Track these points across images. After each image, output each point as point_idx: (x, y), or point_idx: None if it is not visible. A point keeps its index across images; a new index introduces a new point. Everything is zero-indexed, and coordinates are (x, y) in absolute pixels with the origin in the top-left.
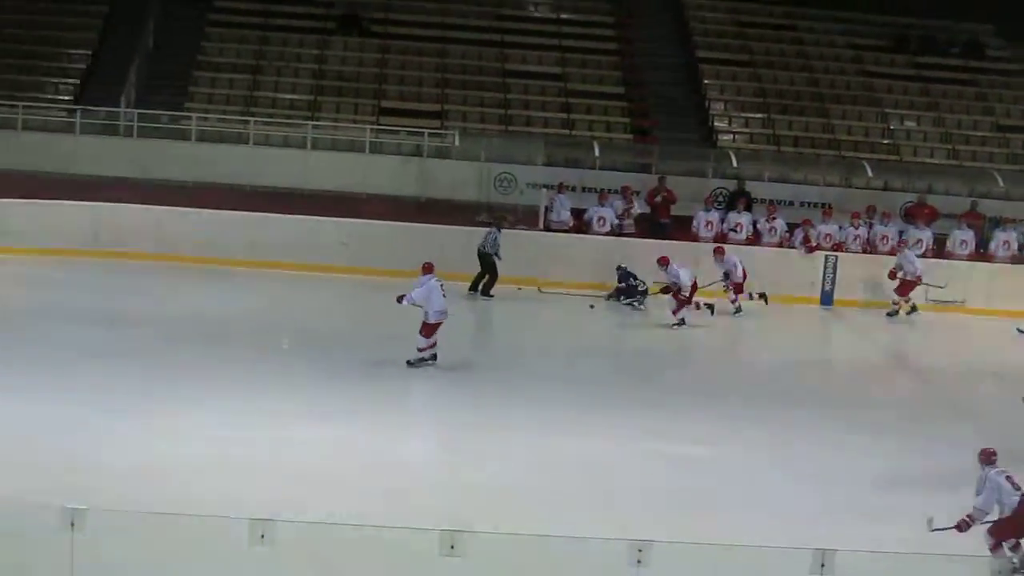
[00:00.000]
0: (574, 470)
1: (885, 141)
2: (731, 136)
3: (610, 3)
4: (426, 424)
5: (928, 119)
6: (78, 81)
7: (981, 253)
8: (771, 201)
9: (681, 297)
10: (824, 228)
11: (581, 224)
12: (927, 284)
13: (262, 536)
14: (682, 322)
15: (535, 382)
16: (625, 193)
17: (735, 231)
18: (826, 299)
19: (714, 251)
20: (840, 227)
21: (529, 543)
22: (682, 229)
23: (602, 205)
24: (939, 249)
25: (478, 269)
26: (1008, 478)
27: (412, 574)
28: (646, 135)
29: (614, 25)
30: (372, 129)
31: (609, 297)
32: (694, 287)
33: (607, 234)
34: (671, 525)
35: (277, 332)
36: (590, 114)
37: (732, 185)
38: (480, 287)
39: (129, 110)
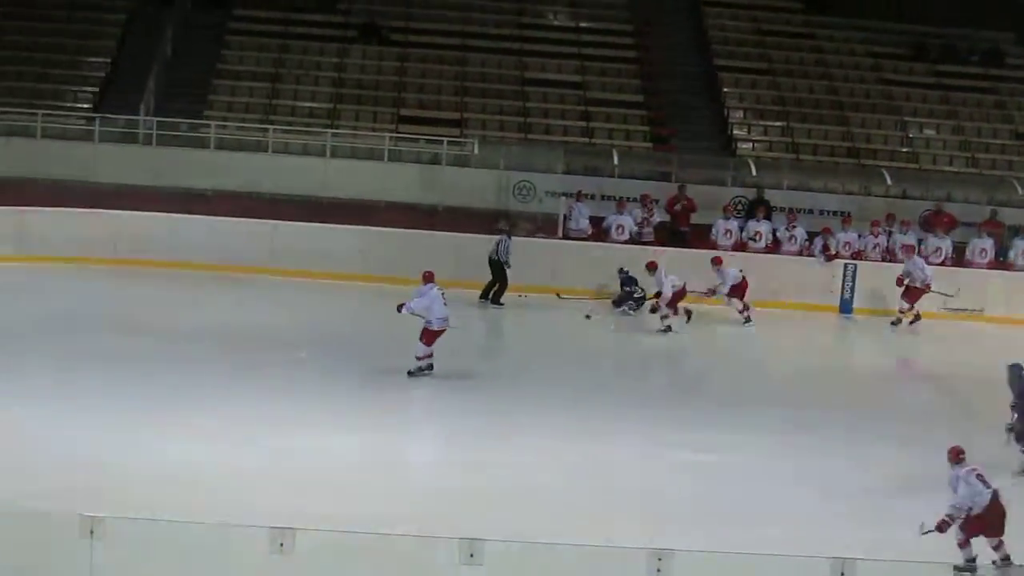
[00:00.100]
0: (589, 478)
1: (904, 149)
2: (750, 144)
3: (629, 11)
4: (440, 432)
5: (947, 127)
6: (97, 89)
7: (1000, 261)
8: (791, 209)
9: (657, 303)
10: (843, 236)
11: (599, 232)
12: (936, 292)
13: (281, 545)
14: (668, 328)
15: (547, 388)
16: (645, 201)
17: (754, 240)
18: (845, 307)
19: (712, 260)
20: (859, 235)
21: (549, 552)
22: (701, 237)
23: (620, 213)
24: (958, 258)
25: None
26: (979, 476)
27: None
28: (665, 143)
29: (633, 33)
30: (391, 137)
31: (615, 302)
32: (677, 295)
33: (626, 242)
34: (691, 534)
35: (294, 341)
36: (609, 122)
37: (751, 193)
38: (491, 295)
39: (148, 118)
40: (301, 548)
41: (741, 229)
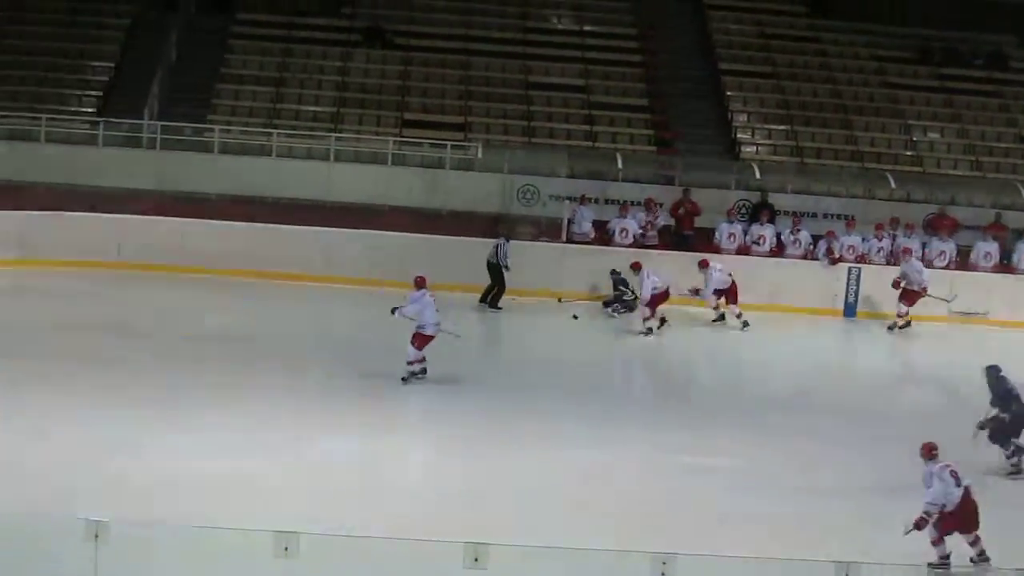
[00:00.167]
0: (593, 482)
1: (908, 153)
2: (754, 148)
3: (633, 15)
4: (443, 436)
5: (951, 131)
6: (101, 93)
7: (1005, 265)
8: (795, 213)
9: (632, 305)
10: (847, 240)
11: (603, 236)
12: (933, 296)
13: (286, 549)
14: (648, 331)
15: (545, 393)
16: (649, 205)
17: (758, 243)
18: (849, 311)
19: (699, 263)
20: (863, 239)
21: (553, 555)
22: (705, 241)
23: (623, 217)
24: (963, 261)
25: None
26: (952, 472)
27: None
28: (669, 147)
29: (637, 37)
30: (395, 141)
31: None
32: (656, 297)
33: (630, 246)
34: (694, 537)
35: (299, 345)
36: (613, 126)
37: (755, 197)
38: (488, 299)
39: (152, 122)
40: (305, 552)
41: (745, 233)
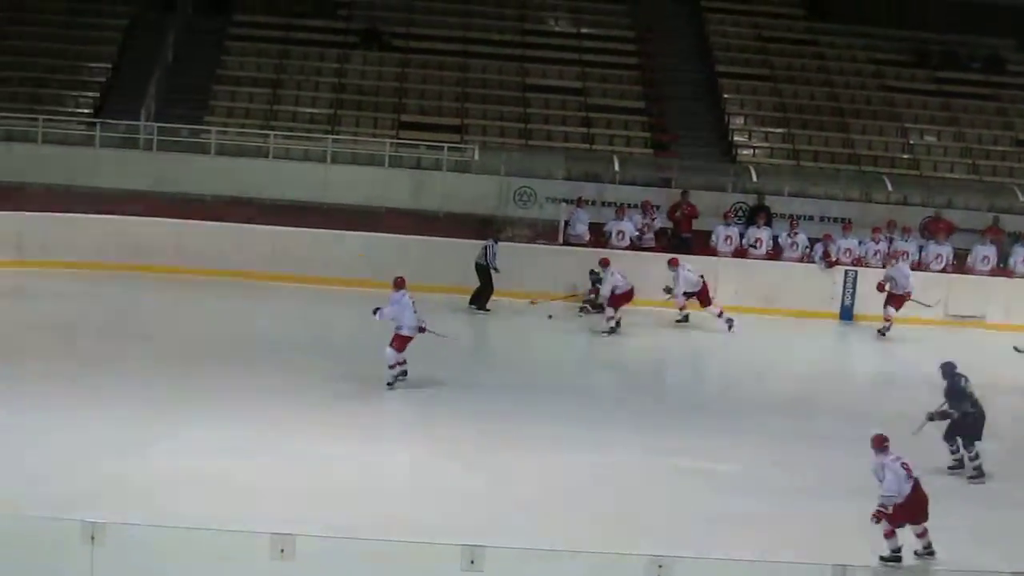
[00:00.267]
0: (590, 484)
1: (905, 156)
2: (751, 151)
3: (631, 18)
4: (439, 438)
5: (948, 134)
6: (98, 94)
7: (1001, 268)
8: (792, 216)
9: (596, 302)
10: (844, 243)
11: (599, 238)
12: (915, 301)
13: (282, 551)
14: (611, 330)
15: (541, 395)
16: (646, 207)
17: (755, 246)
18: (846, 314)
19: (668, 261)
20: (860, 242)
21: (550, 558)
22: (703, 244)
23: (620, 219)
24: (959, 264)
25: (500, 283)
26: (904, 464)
27: None
28: (666, 149)
29: (634, 40)
30: (392, 143)
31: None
32: (619, 296)
33: (627, 248)
34: (691, 540)
35: (294, 346)
36: (610, 128)
37: (752, 200)
38: (477, 300)
39: (149, 123)
40: (301, 554)
41: (742, 235)
